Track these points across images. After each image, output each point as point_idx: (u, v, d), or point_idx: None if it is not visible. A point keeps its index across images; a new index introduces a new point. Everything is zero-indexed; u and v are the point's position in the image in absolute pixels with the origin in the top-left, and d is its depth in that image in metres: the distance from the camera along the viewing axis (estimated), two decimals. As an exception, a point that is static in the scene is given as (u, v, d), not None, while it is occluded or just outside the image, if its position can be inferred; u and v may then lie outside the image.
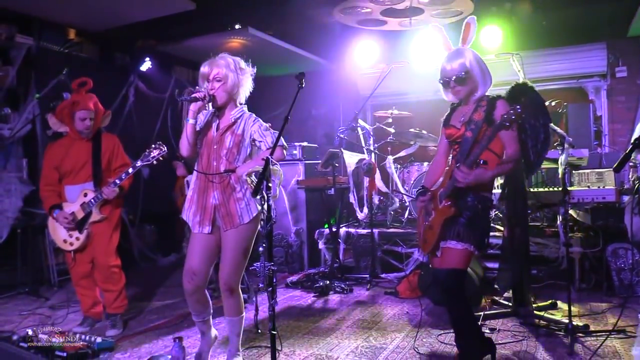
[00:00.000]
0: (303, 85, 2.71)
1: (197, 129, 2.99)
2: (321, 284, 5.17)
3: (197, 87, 2.96)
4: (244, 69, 3.04)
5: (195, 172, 3.02)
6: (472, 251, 2.75)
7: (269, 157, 2.55)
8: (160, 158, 3.73)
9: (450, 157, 2.98)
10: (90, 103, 3.93)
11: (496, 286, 4.44)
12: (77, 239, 3.92)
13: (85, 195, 3.91)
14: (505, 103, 2.76)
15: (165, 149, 3.71)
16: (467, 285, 3.94)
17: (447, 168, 2.93)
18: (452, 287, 2.77)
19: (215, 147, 2.97)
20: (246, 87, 3.07)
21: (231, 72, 2.95)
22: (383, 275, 5.54)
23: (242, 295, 3.11)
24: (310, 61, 7.46)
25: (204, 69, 2.98)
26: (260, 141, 2.99)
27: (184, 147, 2.96)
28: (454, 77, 2.79)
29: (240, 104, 3.08)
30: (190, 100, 2.85)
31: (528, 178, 4.57)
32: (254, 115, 3.08)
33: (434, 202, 2.86)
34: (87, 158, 3.95)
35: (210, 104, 2.98)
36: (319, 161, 6.31)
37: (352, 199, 6.05)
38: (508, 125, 2.52)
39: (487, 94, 2.86)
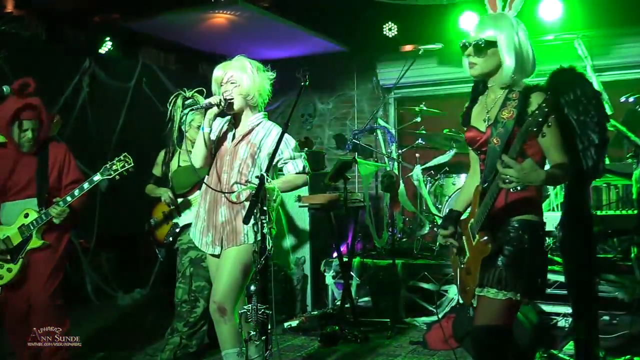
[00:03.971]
0: (307, 83, 2.97)
1: (212, 137, 3.51)
2: (328, 330, 5.21)
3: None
4: (262, 73, 3.56)
5: (203, 185, 3.53)
6: (517, 301, 2.61)
7: (264, 173, 2.71)
8: (125, 173, 3.91)
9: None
10: (32, 112, 4.00)
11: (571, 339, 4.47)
12: (9, 270, 3.97)
13: (26, 216, 4.00)
14: (543, 96, 2.54)
15: (132, 162, 3.90)
16: (517, 336, 3.74)
17: (474, 188, 2.76)
18: (489, 350, 2.68)
19: (227, 158, 3.49)
20: (264, 93, 3.56)
21: (246, 74, 3.46)
22: (408, 320, 5.58)
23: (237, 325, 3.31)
24: (316, 43, 7.48)
25: (217, 72, 3.51)
26: (286, 163, 3.52)
27: (197, 158, 3.51)
28: (473, 43, 2.70)
29: (260, 111, 3.54)
30: (206, 108, 3.37)
31: (582, 192, 4.56)
32: (278, 127, 3.50)
33: (466, 235, 2.74)
34: (30, 174, 4.05)
35: (226, 109, 3.44)
36: (327, 172, 6.37)
37: (369, 220, 6.06)
38: (536, 130, 2.32)
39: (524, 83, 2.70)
